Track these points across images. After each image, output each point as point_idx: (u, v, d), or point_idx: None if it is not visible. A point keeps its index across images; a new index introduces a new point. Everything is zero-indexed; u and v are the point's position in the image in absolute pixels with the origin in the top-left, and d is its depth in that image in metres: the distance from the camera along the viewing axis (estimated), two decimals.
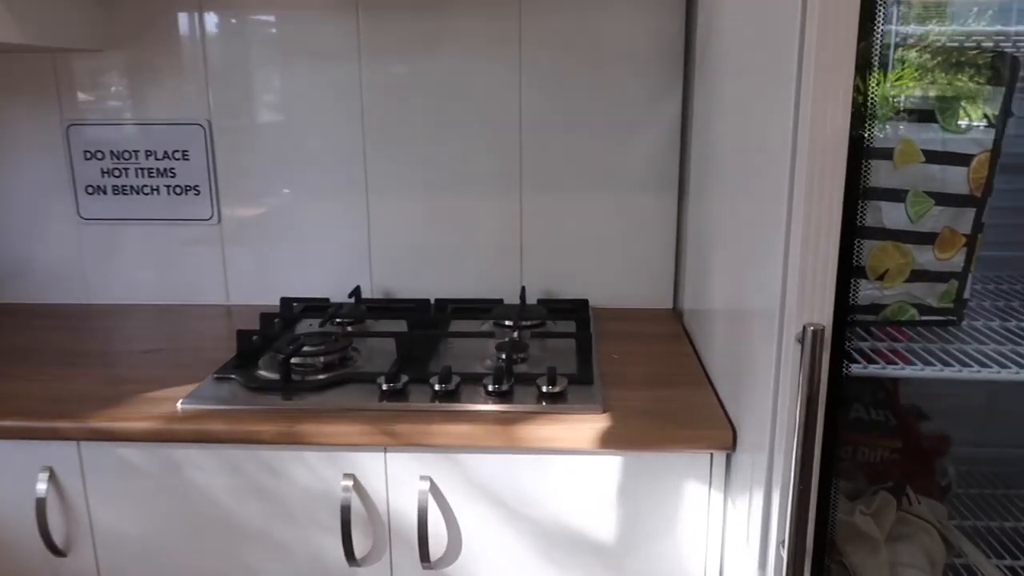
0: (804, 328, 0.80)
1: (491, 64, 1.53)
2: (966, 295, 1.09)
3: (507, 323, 1.42)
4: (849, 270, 0.85)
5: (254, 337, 1.31)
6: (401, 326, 1.39)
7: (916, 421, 1.28)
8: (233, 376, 1.20)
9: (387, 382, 1.14)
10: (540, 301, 1.57)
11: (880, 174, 1.05)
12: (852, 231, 0.83)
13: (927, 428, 1.35)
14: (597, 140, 1.57)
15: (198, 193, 1.63)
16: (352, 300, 1.57)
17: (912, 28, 0.99)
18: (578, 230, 1.61)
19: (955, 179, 1.05)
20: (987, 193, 1.06)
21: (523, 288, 1.56)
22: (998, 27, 1.04)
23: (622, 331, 1.48)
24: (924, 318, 1.09)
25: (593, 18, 1.51)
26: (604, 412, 1.10)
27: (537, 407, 1.11)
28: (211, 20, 1.55)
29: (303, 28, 1.53)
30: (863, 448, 1.27)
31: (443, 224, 1.61)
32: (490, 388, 1.13)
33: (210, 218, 1.64)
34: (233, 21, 1.54)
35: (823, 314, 0.83)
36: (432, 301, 1.57)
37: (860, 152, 0.82)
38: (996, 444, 1.48)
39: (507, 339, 1.30)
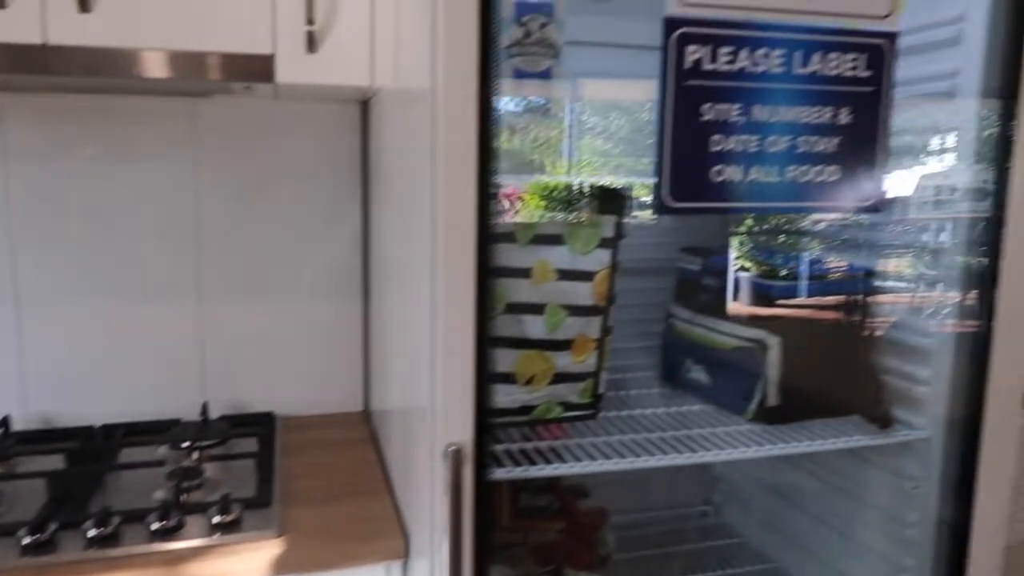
0: (446, 448, 0.88)
1: (166, 169, 1.49)
2: (601, 390, 1.26)
3: (184, 445, 1.36)
4: (490, 378, 0.95)
5: None
6: (58, 462, 1.27)
7: (575, 500, 1.43)
8: None
9: (30, 533, 1.03)
10: (223, 417, 1.52)
11: (522, 291, 1.20)
12: (488, 342, 0.94)
13: (589, 503, 1.51)
14: (282, 247, 1.58)
15: None
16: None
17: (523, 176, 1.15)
18: (265, 338, 1.60)
19: (583, 292, 1.22)
20: (610, 302, 1.25)
21: (205, 404, 1.51)
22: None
23: (311, 441, 1.49)
24: (568, 414, 1.23)
25: (273, 130, 1.54)
26: (280, 536, 1.09)
27: (208, 540, 1.07)
28: None
29: None
30: (533, 532, 1.39)
31: (111, 337, 1.51)
32: (155, 526, 1.07)
33: None
34: None
35: (465, 430, 0.91)
36: (99, 427, 1.45)
37: (486, 271, 0.92)
38: (648, 508, 1.69)
39: (179, 466, 1.25)
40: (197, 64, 1.19)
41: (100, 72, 1.17)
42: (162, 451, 1.36)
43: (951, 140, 1.15)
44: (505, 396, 1.19)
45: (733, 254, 1.42)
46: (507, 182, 1.23)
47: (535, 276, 1.19)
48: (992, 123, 1.06)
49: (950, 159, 1.15)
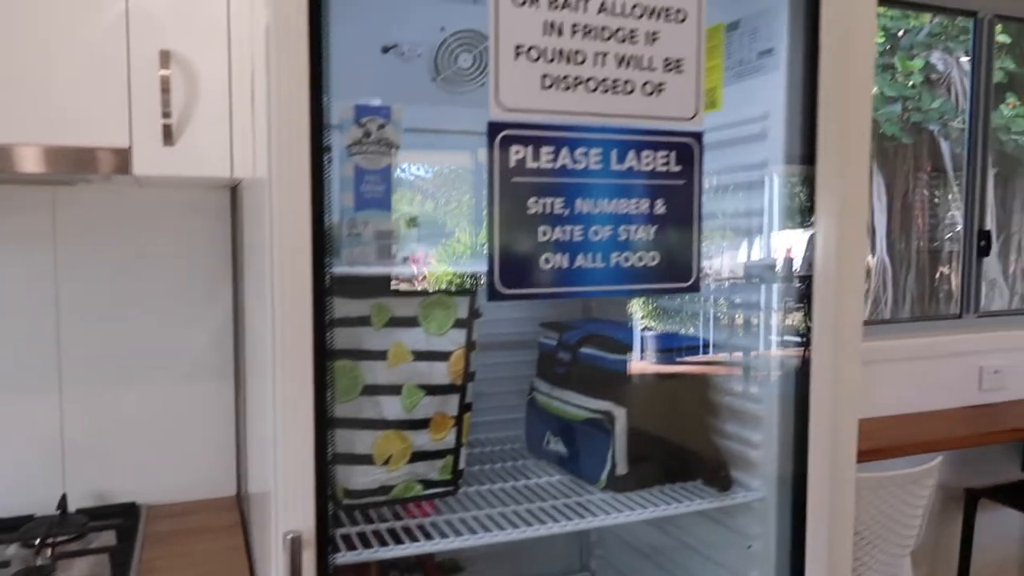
0: (284, 535, 0.90)
1: (24, 257, 1.47)
2: (461, 466, 1.30)
3: (36, 543, 1.31)
4: (345, 460, 0.98)
5: None
6: None
7: None
8: None
9: None
10: (81, 510, 1.48)
11: (378, 373, 1.23)
12: (330, 424, 0.97)
13: None
14: (150, 330, 1.57)
15: None
16: None
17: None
18: (132, 424, 1.57)
19: (439, 372, 1.26)
20: (467, 380, 1.29)
21: (63, 496, 1.46)
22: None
23: (177, 529, 1.46)
24: (428, 492, 1.26)
25: (138, 215, 1.55)
26: None
27: None
28: None
29: None
30: None
31: None
32: None
33: None
34: None
35: (306, 516, 0.93)
36: None
37: (326, 354, 0.96)
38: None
39: (28, 566, 1.21)
40: (50, 158, 1.20)
41: None
42: (12, 550, 1.31)
43: (766, 219, 1.27)
44: (363, 477, 1.21)
45: (638, 316, 1.49)
46: (419, 247, 1.29)
47: (391, 358, 1.23)
48: (795, 202, 1.18)
49: (767, 235, 1.27)
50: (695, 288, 1.12)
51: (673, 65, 1.05)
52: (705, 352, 1.37)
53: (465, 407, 1.30)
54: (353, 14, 1.38)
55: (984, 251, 2.53)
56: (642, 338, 1.39)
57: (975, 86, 2.56)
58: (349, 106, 1.07)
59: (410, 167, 1.49)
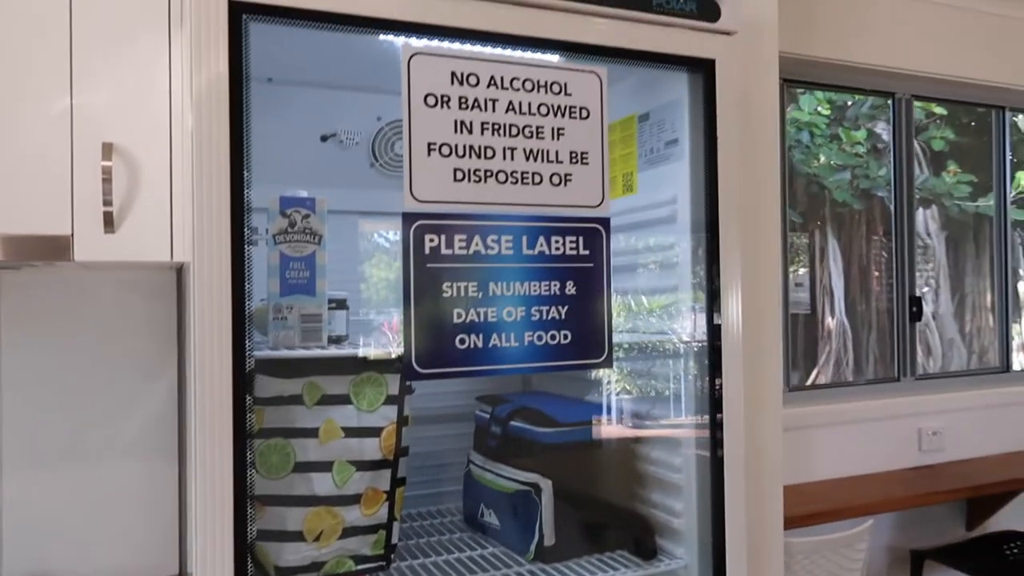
0: None
1: None
2: (394, 541, 1.32)
3: None
4: (276, 537, 1.00)
5: None
6: None
7: None
8: None
9: None
10: None
11: (309, 450, 1.27)
12: (246, 503, 1.00)
13: None
14: (93, 410, 1.59)
15: None
16: None
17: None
18: (71, 505, 1.58)
19: (370, 448, 1.30)
20: (399, 455, 1.33)
21: None
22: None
23: None
24: (360, 567, 1.29)
25: (84, 296, 1.59)
26: None
27: None
28: None
29: None
30: None
31: None
32: None
33: None
34: None
35: None
36: None
37: (246, 435, 0.99)
38: None
39: None
40: None
41: None
42: None
43: (679, 293, 1.34)
44: (294, 554, 1.24)
45: (613, 379, 1.53)
46: (391, 313, 1.34)
47: (322, 435, 1.27)
48: (703, 277, 1.26)
49: (680, 308, 1.34)
50: (608, 363, 1.18)
51: (579, 158, 1.13)
52: (628, 422, 1.42)
53: (398, 482, 1.33)
54: (292, 107, 1.47)
55: (916, 316, 2.62)
56: (570, 410, 1.44)
57: (897, 161, 2.70)
58: (275, 198, 1.14)
59: (359, 242, 1.57)
